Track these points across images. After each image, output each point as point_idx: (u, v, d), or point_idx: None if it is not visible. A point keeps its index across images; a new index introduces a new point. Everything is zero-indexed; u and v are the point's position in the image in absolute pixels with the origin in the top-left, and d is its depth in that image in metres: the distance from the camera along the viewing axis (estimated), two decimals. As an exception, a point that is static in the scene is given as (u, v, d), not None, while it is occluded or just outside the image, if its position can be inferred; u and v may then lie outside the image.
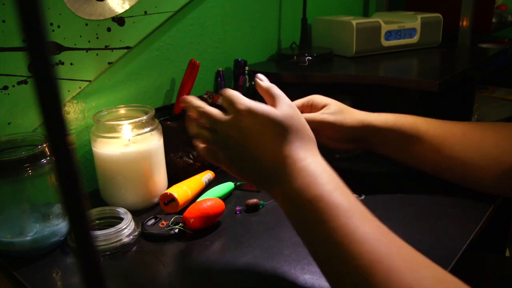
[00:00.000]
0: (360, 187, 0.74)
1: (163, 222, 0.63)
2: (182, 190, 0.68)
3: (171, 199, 0.67)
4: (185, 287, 0.51)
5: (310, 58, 1.03)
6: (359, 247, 0.38)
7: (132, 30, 0.79)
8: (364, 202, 0.69)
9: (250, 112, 0.46)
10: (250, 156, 0.47)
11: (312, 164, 0.45)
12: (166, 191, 0.68)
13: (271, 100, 0.49)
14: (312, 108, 0.69)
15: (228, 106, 0.49)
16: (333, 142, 0.69)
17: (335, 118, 0.66)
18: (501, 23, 1.47)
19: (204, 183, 0.74)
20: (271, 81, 0.52)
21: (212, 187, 0.72)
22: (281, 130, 0.46)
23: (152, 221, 0.64)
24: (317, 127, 0.64)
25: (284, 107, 0.48)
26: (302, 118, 0.49)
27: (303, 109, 0.69)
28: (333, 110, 0.66)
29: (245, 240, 0.60)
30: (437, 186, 0.73)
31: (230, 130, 0.48)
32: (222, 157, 0.50)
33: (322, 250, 0.41)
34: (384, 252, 0.38)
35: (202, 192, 0.72)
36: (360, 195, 0.70)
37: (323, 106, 0.68)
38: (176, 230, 0.61)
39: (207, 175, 0.76)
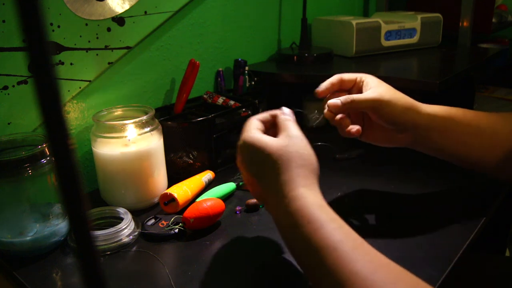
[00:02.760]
0: (360, 188, 0.74)
1: (163, 222, 0.63)
2: (182, 190, 0.68)
3: (171, 199, 0.67)
4: (185, 287, 0.51)
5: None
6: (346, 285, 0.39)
7: (132, 30, 0.79)
8: (365, 203, 0.69)
9: (245, 143, 0.51)
10: (255, 177, 0.52)
11: (298, 200, 0.46)
12: (166, 191, 0.68)
13: (279, 129, 0.53)
14: (363, 87, 0.64)
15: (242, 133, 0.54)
16: (384, 133, 0.64)
17: (390, 96, 0.61)
18: (501, 23, 1.47)
19: (204, 183, 0.74)
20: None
21: (212, 187, 0.72)
22: (269, 161, 0.49)
23: (152, 221, 0.64)
24: (373, 105, 0.60)
25: (282, 137, 0.51)
26: (301, 146, 0.50)
27: (354, 85, 0.65)
28: (385, 88, 0.62)
29: (245, 240, 0.60)
30: (437, 186, 0.73)
31: (241, 153, 0.53)
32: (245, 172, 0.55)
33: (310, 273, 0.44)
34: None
35: (202, 192, 0.72)
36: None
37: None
38: (176, 230, 0.61)
39: (207, 175, 0.76)
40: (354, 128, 0.61)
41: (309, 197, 0.46)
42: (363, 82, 0.64)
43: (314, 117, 0.64)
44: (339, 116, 0.62)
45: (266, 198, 0.51)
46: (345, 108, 0.61)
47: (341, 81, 0.64)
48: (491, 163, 0.62)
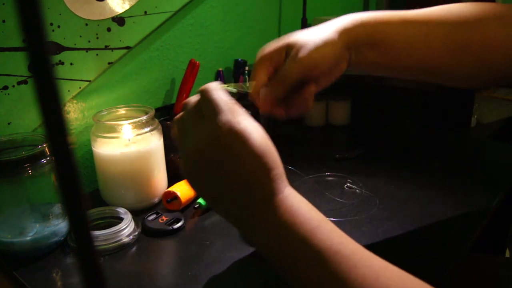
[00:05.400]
0: (359, 187, 0.74)
1: (163, 217, 0.64)
2: (185, 189, 0.69)
3: (173, 197, 0.68)
4: (185, 287, 0.51)
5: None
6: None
7: (132, 30, 0.79)
8: (364, 202, 0.69)
9: (231, 132, 0.38)
10: (223, 183, 0.39)
11: (290, 198, 0.39)
12: (169, 189, 0.68)
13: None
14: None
15: (207, 112, 0.39)
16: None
17: (313, 59, 0.50)
18: (501, 23, 1.47)
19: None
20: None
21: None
22: (261, 161, 0.39)
23: (153, 216, 0.65)
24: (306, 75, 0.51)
25: (260, 131, 0.40)
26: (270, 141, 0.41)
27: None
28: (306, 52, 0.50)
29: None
30: (437, 186, 0.73)
31: (201, 142, 0.39)
32: (184, 168, 0.41)
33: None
34: None
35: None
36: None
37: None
38: (175, 226, 0.62)
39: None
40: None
41: (296, 196, 0.40)
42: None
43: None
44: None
45: (237, 203, 0.39)
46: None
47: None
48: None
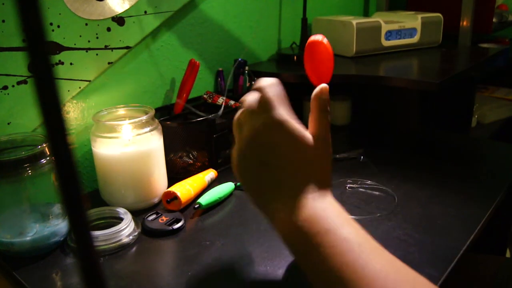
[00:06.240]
0: (359, 187, 0.74)
1: (163, 218, 0.64)
2: (185, 189, 0.69)
3: (173, 197, 0.68)
4: (185, 287, 0.51)
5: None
6: (368, 285, 0.36)
7: (132, 30, 0.79)
8: (364, 202, 0.69)
9: (279, 126, 0.43)
10: (268, 170, 0.44)
11: (321, 199, 0.43)
12: (169, 189, 0.68)
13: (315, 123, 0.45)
14: None
15: (261, 108, 0.44)
16: None
17: None
18: (501, 23, 1.47)
19: (207, 182, 0.74)
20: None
21: (212, 187, 0.72)
22: (306, 159, 0.43)
23: (153, 216, 0.65)
24: None
25: (320, 137, 0.45)
26: (327, 150, 0.45)
27: None
28: None
29: (245, 240, 0.60)
30: (437, 186, 0.73)
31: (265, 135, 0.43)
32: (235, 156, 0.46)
33: (328, 285, 0.39)
34: None
35: (205, 190, 0.72)
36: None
37: None
38: (175, 227, 0.62)
39: (209, 174, 0.76)
40: None
41: (335, 204, 0.43)
42: None
43: None
44: None
45: (280, 200, 0.43)
46: None
47: None
48: None
